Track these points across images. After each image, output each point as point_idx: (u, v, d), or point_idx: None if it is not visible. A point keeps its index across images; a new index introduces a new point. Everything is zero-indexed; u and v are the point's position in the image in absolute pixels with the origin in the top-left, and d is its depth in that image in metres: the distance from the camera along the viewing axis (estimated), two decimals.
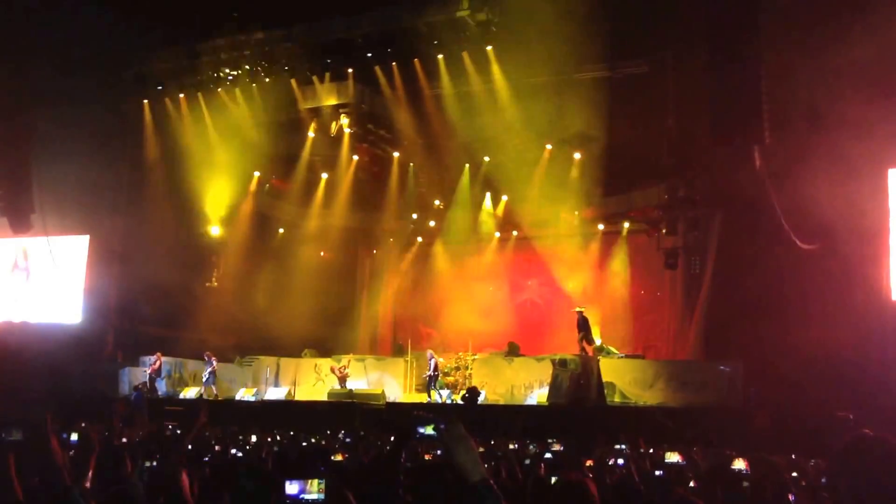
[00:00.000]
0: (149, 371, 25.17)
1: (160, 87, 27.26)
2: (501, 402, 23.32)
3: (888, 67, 19.60)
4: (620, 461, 10.54)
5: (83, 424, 16.68)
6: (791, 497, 7.03)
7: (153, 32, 25.28)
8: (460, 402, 22.46)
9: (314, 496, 3.95)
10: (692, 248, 24.46)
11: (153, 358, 25.39)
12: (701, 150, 22.73)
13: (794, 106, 20.29)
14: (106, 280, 27.91)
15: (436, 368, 23.87)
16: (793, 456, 12.26)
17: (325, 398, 24.47)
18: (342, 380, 24.78)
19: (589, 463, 10.75)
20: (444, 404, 22.93)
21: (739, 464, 8.17)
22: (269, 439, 14.50)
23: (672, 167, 23.92)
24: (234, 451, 11.21)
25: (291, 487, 3.97)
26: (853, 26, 19.60)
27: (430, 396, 23.71)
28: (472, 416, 20.12)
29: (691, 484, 8.48)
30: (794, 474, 9.52)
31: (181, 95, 27.26)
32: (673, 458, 10.67)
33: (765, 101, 20.74)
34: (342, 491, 4.32)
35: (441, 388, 24.15)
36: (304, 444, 13.52)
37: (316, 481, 3.97)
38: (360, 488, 4.88)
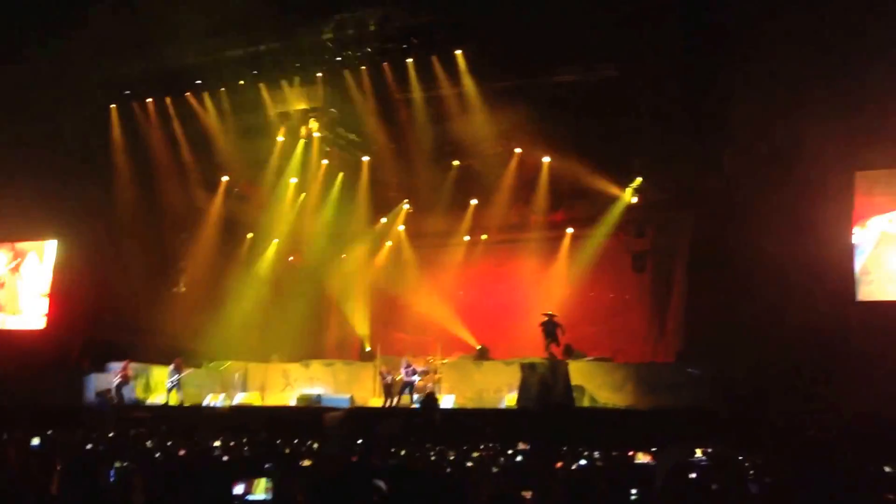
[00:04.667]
0: (116, 378, 24.89)
1: (128, 92, 27.03)
2: (471, 406, 23.27)
3: (855, 73, 19.84)
4: (583, 462, 10.52)
5: (49, 432, 16.51)
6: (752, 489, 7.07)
7: (120, 37, 25.09)
8: (417, 407, 22.49)
9: (260, 496, 3.89)
10: (661, 251, 24.54)
11: (121, 364, 25.10)
12: (670, 153, 22.86)
13: (763, 111, 20.45)
14: (73, 285, 27.66)
15: (413, 374, 23.62)
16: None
17: (293, 403, 24.40)
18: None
19: (559, 465, 10.74)
20: (405, 409, 22.92)
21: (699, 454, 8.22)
22: (233, 444, 14.37)
23: (641, 170, 23.99)
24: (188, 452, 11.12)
25: (238, 488, 3.91)
26: (823, 33, 19.81)
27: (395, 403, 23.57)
28: (429, 423, 20.28)
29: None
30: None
31: (149, 100, 27.04)
32: (644, 459, 10.68)
33: (733, 107, 20.95)
34: (293, 492, 4.26)
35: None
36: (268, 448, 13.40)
37: (263, 481, 3.90)
38: (324, 489, 4.81)
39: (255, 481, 3.83)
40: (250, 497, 3.84)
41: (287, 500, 4.08)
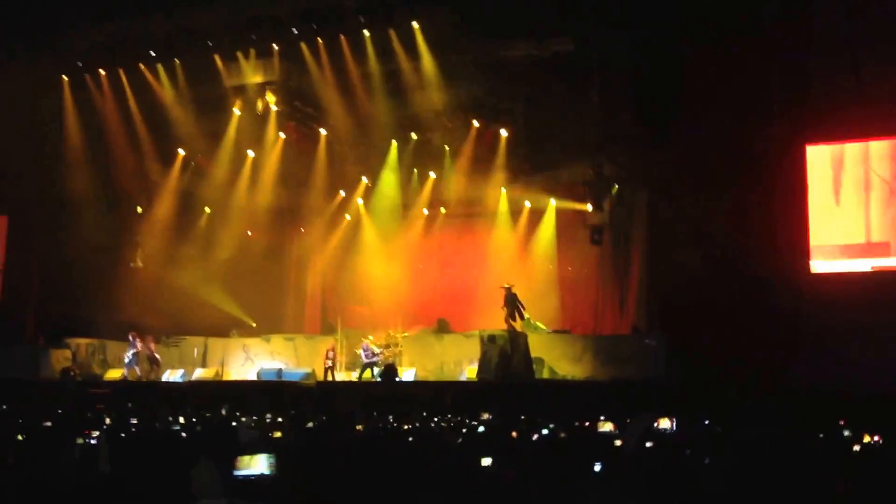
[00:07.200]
0: (135, 352, 24.68)
1: (80, 64, 26.62)
2: (431, 378, 23.43)
3: (803, 49, 20.17)
4: (545, 431, 10.67)
5: (3, 407, 16.40)
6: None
7: (72, 6, 24.65)
8: (378, 379, 22.68)
9: (265, 472, 3.91)
10: (618, 224, 24.79)
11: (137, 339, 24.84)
12: (625, 126, 23.07)
13: (715, 87, 20.70)
14: (26, 261, 27.29)
15: (373, 356, 23.70)
16: None
17: (254, 378, 24.40)
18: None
19: (514, 434, 10.90)
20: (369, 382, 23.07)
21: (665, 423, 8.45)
22: (196, 420, 14.36)
23: (597, 144, 24.13)
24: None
25: (241, 465, 3.92)
26: (771, 9, 20.09)
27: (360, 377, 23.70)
28: (391, 393, 20.82)
29: (617, 443, 8.74)
30: None
31: (102, 72, 26.67)
32: (606, 427, 10.88)
33: (687, 83, 21.20)
34: (293, 466, 4.30)
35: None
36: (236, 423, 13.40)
37: (265, 457, 3.92)
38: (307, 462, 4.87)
39: (256, 457, 3.83)
40: (255, 472, 3.84)
41: (288, 475, 4.11)
